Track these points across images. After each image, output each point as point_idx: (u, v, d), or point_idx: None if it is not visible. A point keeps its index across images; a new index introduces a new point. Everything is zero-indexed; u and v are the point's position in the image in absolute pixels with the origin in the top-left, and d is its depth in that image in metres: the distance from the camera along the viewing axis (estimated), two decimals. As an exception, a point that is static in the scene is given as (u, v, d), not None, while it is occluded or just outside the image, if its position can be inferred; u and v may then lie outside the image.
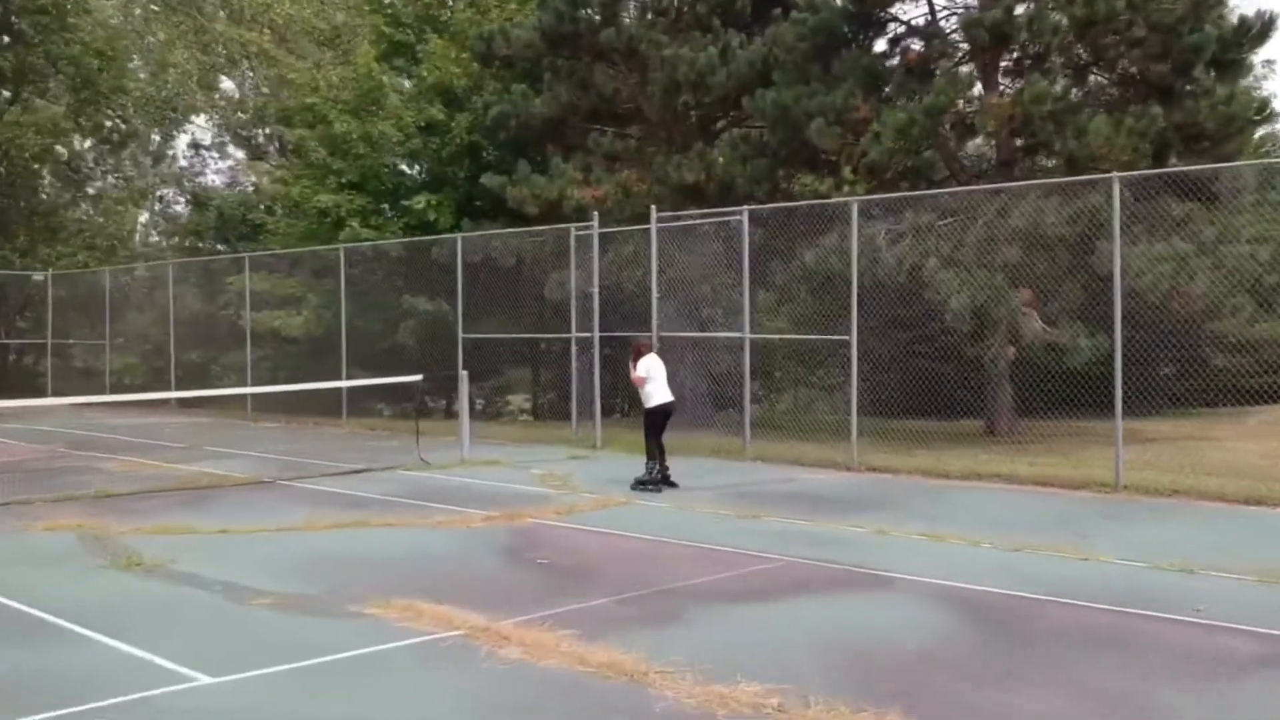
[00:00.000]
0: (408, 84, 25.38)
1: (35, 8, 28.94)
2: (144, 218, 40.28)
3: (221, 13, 36.53)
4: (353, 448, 16.79)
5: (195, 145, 38.76)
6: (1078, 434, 16.69)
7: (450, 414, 21.21)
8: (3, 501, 11.23)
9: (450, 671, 5.58)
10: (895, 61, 18.26)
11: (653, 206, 16.66)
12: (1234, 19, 16.45)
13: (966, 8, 17.50)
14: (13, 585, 7.42)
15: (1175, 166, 15.02)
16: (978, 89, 17.94)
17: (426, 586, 7.33)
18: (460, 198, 23.37)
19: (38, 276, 29.58)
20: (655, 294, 16.21)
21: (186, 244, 34.00)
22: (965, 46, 17.75)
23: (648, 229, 16.49)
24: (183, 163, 39.88)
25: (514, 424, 22.61)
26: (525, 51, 21.37)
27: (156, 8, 36.14)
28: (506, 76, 22.56)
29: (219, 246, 31.60)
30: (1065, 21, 16.06)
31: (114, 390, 26.63)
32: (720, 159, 19.31)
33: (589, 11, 20.47)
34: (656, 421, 12.40)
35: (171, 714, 4.96)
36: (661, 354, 16.27)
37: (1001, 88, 17.56)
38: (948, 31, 17.97)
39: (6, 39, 29.81)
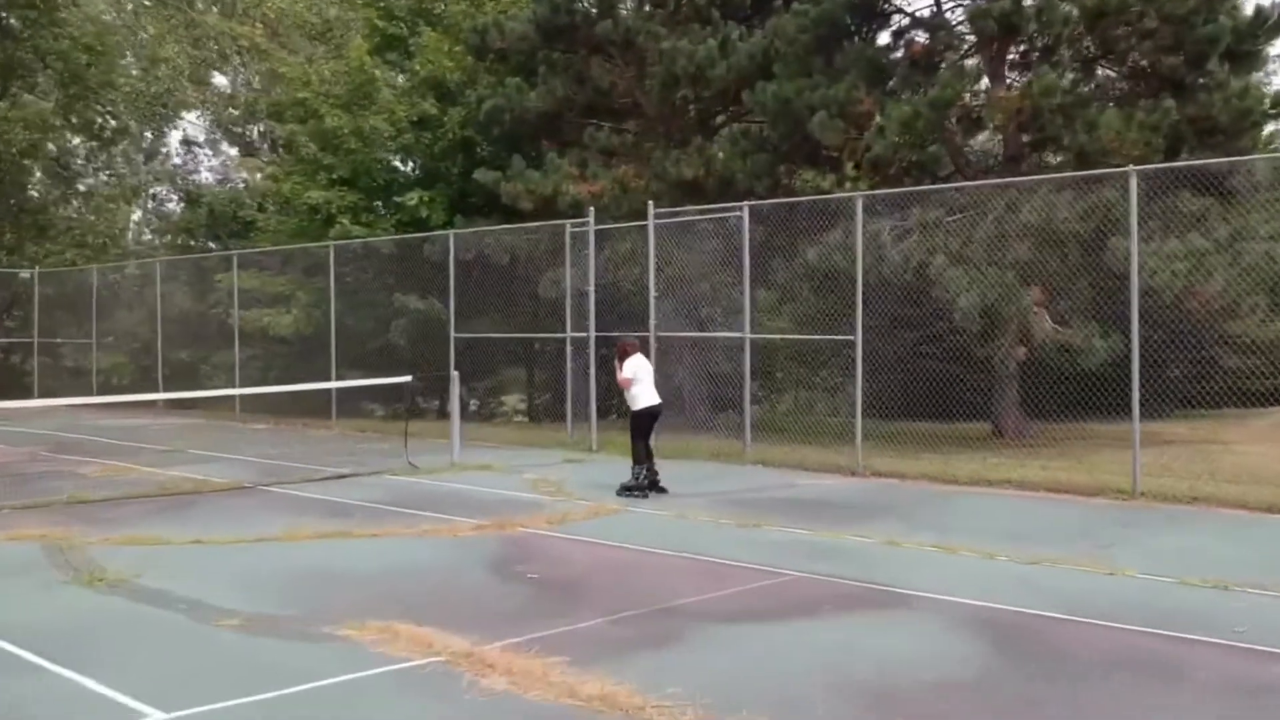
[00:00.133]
0: (401, 79, 24.86)
1: (24, 2, 28.41)
2: (137, 215, 39.81)
3: (214, 8, 36.04)
4: (341, 451, 16.30)
5: (187, 142, 38.25)
6: (1088, 437, 16.21)
7: (444, 415, 20.69)
8: (-30, 508, 10.75)
9: (428, 705, 5.10)
10: (899, 54, 17.80)
11: (650, 203, 16.18)
12: (1249, 10, 16.01)
13: (973, -1, 17.03)
14: (-36, 603, 6.94)
15: (1190, 160, 14.53)
16: (984, 83, 17.47)
17: (408, 605, 6.84)
18: (453, 194, 22.87)
19: (24, 274, 29.06)
20: (653, 293, 15.72)
21: (178, 242, 33.50)
22: (971, 39, 17.30)
23: (645, 226, 16.01)
24: (176, 160, 39.43)
25: (508, 425, 22.12)
26: (520, 44, 20.86)
27: (148, 2, 35.61)
28: (501, 70, 22.04)
29: (210, 244, 31.10)
30: (1075, 12, 15.59)
31: (102, 389, 26.15)
32: (720, 154, 18.81)
33: (585, 3, 20.00)
34: (643, 424, 11.93)
35: (115, 756, 4.48)
36: (659, 354, 15.85)
37: (1008, 81, 17.09)
38: (953, 23, 17.51)
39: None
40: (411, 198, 22.45)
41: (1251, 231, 14.63)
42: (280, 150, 29.47)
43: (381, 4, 25.34)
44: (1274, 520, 10.14)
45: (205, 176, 38.44)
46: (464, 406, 22.66)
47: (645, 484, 11.67)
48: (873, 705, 5.03)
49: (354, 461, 14.71)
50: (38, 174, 33.69)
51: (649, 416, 11.96)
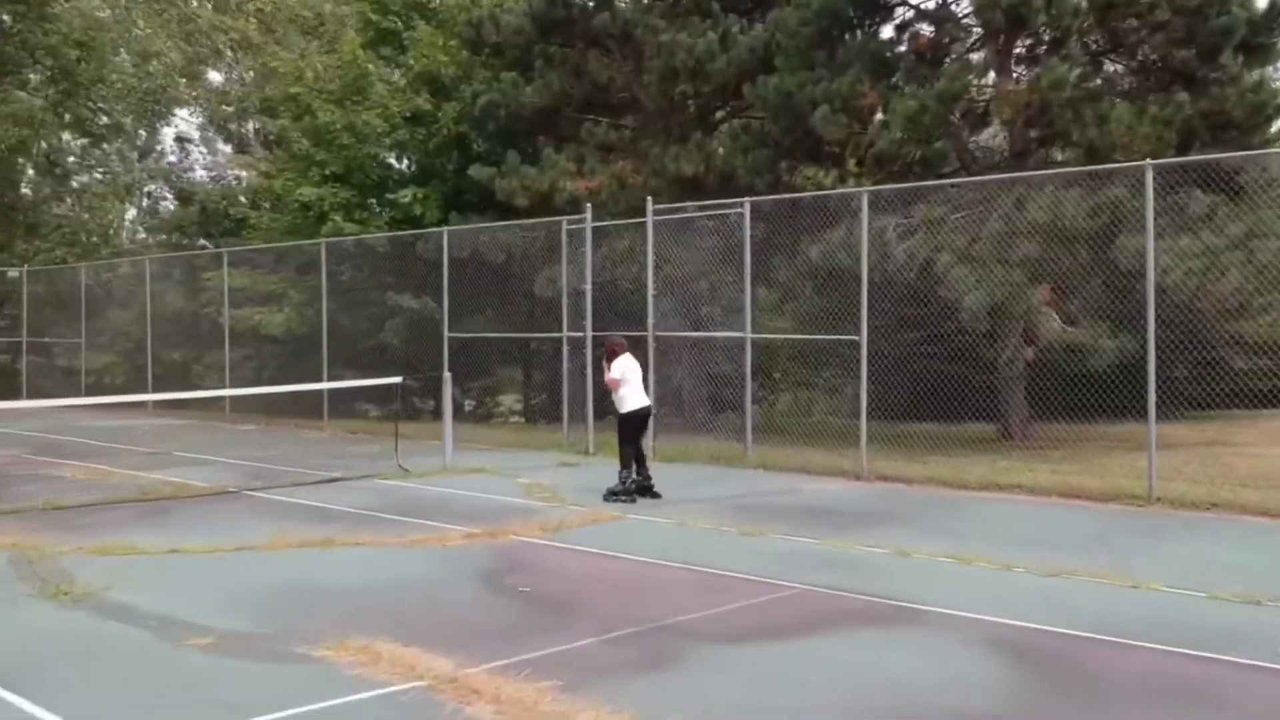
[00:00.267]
0: (397, 74, 24.42)
1: (13, -4, 28.03)
2: (131, 214, 39.40)
3: (208, 3, 35.62)
4: (331, 453, 15.88)
5: (180, 139, 37.79)
6: (1096, 439, 15.83)
7: (439, 415, 20.28)
8: (-59, 515, 10.33)
9: (407, 737, 4.69)
10: (904, 48, 17.39)
11: (649, 199, 15.75)
12: (1263, 1, 15.57)
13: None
14: (-81, 619, 6.53)
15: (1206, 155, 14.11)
16: (991, 77, 17.07)
17: (391, 622, 6.43)
18: (448, 191, 22.45)
19: (13, 273, 28.62)
20: (651, 291, 15.30)
21: (171, 240, 33.06)
22: (978, 31, 16.90)
23: (643, 222, 15.59)
24: (171, 158, 39.01)
25: (504, 426, 21.67)
26: (515, 38, 20.47)
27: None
28: (496, 64, 21.61)
29: (202, 242, 30.67)
30: (1085, 4, 15.18)
31: (93, 389, 25.73)
32: (720, 150, 18.38)
33: (582, -4, 19.62)
34: (633, 427, 11.52)
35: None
36: (658, 355, 15.44)
37: (1015, 75, 16.69)
38: (959, 16, 17.09)
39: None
40: (405, 195, 22.04)
41: (1266, 228, 14.23)
42: (273, 147, 29.02)
43: (376, -2, 24.92)
44: (1298, 528, 9.74)
45: (200, 174, 38.06)
46: (459, 407, 22.27)
47: (633, 489, 11.28)
48: (892, 738, 4.62)
49: (344, 464, 14.29)
50: (30, 171, 33.30)
51: (639, 419, 11.56)
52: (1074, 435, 15.37)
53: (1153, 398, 11.06)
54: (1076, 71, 15.27)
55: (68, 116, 31.09)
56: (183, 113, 36.41)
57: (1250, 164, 13.58)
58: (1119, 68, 17.47)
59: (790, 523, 9.83)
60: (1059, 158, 17.43)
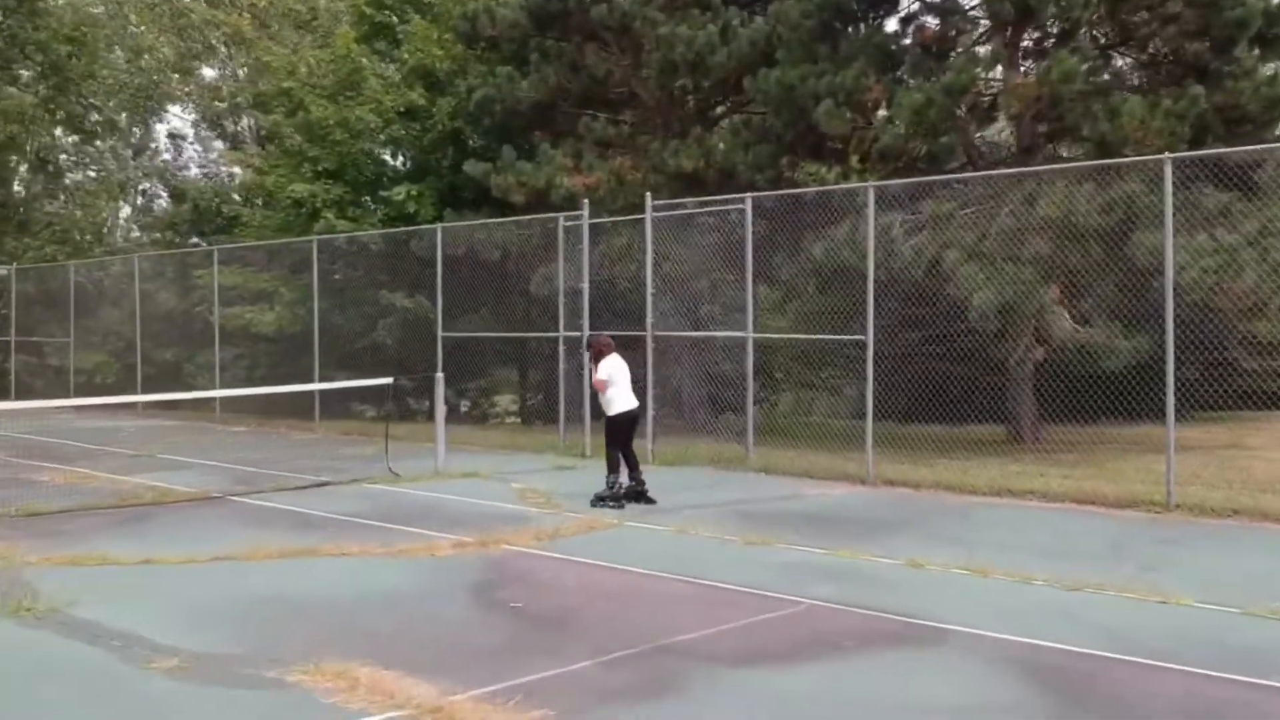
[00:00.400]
0: (391, 69, 23.96)
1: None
2: (126, 212, 38.98)
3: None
4: (321, 455, 15.45)
5: (173, 136, 37.33)
6: (1108, 442, 15.45)
7: (434, 417, 19.87)
8: (-91, 521, 9.90)
9: (382, 776, 4.26)
10: (909, 41, 16.96)
11: (648, 194, 15.32)
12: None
13: (988, -19, 16.17)
14: None
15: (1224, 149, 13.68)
16: (998, 70, 16.65)
17: (372, 641, 6.01)
18: (443, 188, 22.00)
19: (1, 270, 28.18)
20: (650, 289, 14.86)
21: (164, 238, 32.62)
22: (986, 23, 16.47)
23: (642, 219, 15.16)
24: (166, 156, 38.54)
25: (499, 428, 21.21)
26: (511, 32, 20.01)
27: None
28: (492, 59, 21.19)
29: (195, 240, 30.22)
30: (1096, -5, 14.78)
31: (84, 389, 25.29)
32: (720, 145, 17.93)
33: (580, -12, 19.15)
34: (621, 430, 11.09)
35: None
36: (656, 354, 15.01)
37: (1023, 69, 16.27)
38: (966, 7, 16.66)
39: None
40: (399, 192, 21.61)
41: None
42: (265, 143, 28.59)
43: (370, -10, 24.48)
44: (1326, 537, 9.33)
45: (194, 172, 37.60)
46: (454, 408, 21.84)
47: (622, 495, 10.87)
48: (916, 778, 4.20)
49: (334, 468, 13.87)
50: (23, 169, 32.85)
51: (628, 421, 11.14)
52: (1085, 438, 14.97)
53: (1171, 400, 10.64)
54: (1086, 65, 14.85)
55: (59, 113, 30.67)
56: (175, 109, 35.96)
57: (1270, 158, 13.15)
58: (1128, 61, 17.07)
59: (795, 531, 9.40)
60: (1065, 154, 17.04)
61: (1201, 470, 12.61)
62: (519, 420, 22.87)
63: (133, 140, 36.82)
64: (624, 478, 10.96)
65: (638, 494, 10.94)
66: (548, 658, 5.72)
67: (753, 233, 14.03)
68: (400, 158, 24.17)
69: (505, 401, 24.51)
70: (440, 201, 21.70)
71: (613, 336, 14.67)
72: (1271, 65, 15.19)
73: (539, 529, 9.48)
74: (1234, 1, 14.54)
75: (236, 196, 28.84)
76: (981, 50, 16.65)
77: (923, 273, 14.22)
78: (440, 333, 17.77)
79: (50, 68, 29.14)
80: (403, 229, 20.17)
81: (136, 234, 37.71)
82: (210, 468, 13.99)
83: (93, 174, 34.96)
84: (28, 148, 31.34)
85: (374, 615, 6.67)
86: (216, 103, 34.27)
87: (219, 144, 36.85)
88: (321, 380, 19.06)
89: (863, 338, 12.57)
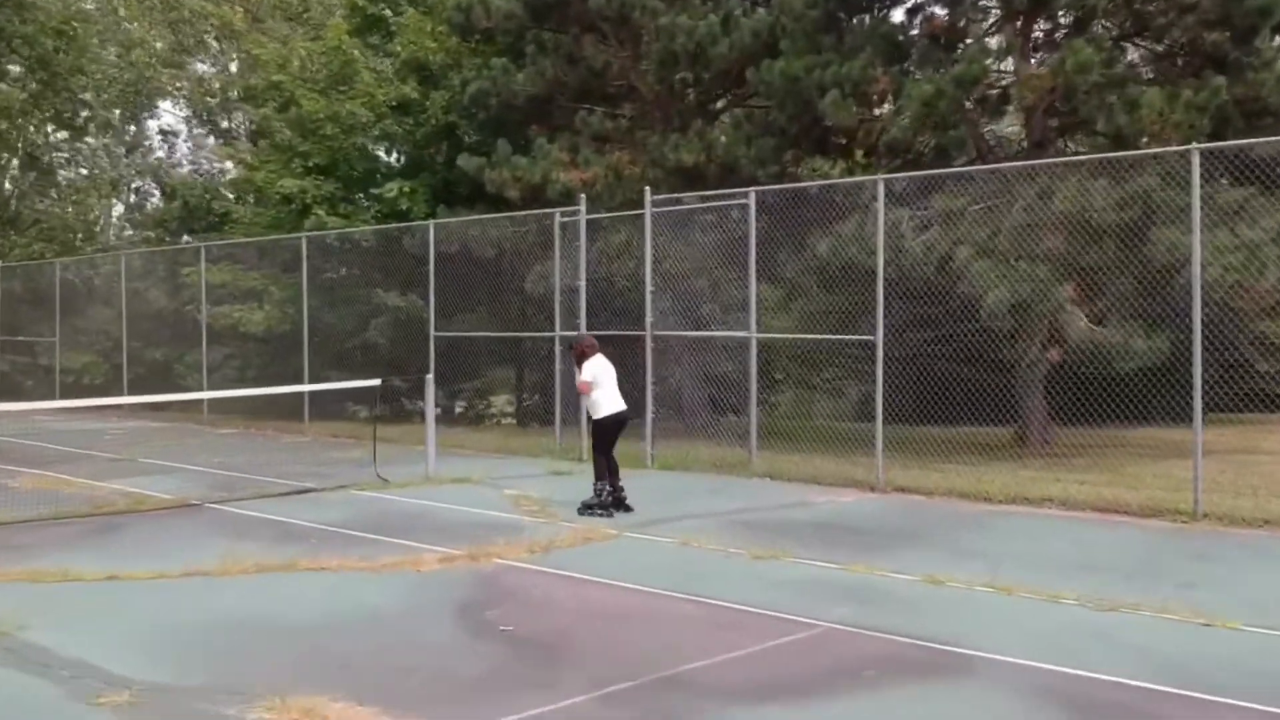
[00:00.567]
0: (386, 63, 23.40)
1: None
2: (119, 210, 38.42)
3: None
4: (308, 459, 14.91)
5: (164, 132, 36.74)
6: (1119, 445, 14.96)
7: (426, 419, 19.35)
8: None
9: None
10: (916, 31, 16.43)
11: (647, 189, 14.76)
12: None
13: (999, -31, 15.67)
14: None
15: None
16: (1009, 62, 16.14)
17: (346, 670, 5.48)
18: (437, 184, 21.47)
19: (-14, 269, 27.67)
20: (649, 287, 14.31)
21: (155, 236, 32.06)
22: (996, 13, 15.95)
23: (641, 215, 14.61)
24: (159, 153, 37.95)
25: (494, 430, 20.66)
26: (507, 23, 19.45)
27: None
28: (487, 51, 20.62)
29: (186, 238, 29.64)
30: (1111, -17, 14.27)
31: (72, 389, 24.74)
32: (722, 139, 17.38)
33: (577, -23, 18.61)
34: (607, 434, 10.58)
35: None
36: (656, 355, 14.48)
37: (1033, 61, 15.75)
38: (975, -2, 16.14)
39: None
40: (391, 189, 21.06)
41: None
42: (255, 138, 28.03)
43: (363, -18, 23.92)
44: (1367, 549, 8.80)
45: (186, 169, 37.01)
46: (447, 410, 21.31)
47: (609, 502, 10.37)
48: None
49: (321, 472, 13.32)
50: (15, 164, 32.27)
51: (615, 425, 10.61)
52: (1094, 440, 14.46)
53: (1199, 404, 10.12)
54: (1102, 55, 14.32)
55: (48, 109, 30.11)
56: (166, 104, 35.37)
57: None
58: (1143, 53, 16.54)
59: (804, 543, 8.87)
60: (1077, 149, 16.53)
61: (1220, 476, 12.10)
62: (515, 422, 22.34)
63: (126, 138, 36.26)
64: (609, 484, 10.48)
65: (616, 501, 10.44)
66: (539, 691, 5.18)
67: (756, 229, 13.49)
68: (394, 153, 23.63)
69: (500, 402, 23.98)
70: (434, 198, 21.17)
71: (611, 336, 14.17)
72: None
73: (532, 540, 8.94)
74: (1256, -11, 14.04)
75: (227, 193, 28.26)
76: (992, 41, 16.18)
77: (933, 270, 13.68)
78: (433, 332, 17.23)
79: (37, 62, 28.58)
80: (395, 225, 19.64)
81: (129, 232, 37.19)
82: (192, 472, 13.45)
83: (84, 171, 34.43)
84: (19, 144, 30.78)
85: (350, 640, 6.14)
86: (208, 98, 33.67)
87: (211, 140, 36.30)
88: (313, 380, 18.53)
89: (872, 338, 12.03)
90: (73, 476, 12.95)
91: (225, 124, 35.13)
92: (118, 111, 33.34)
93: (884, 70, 15.28)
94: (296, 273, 20.11)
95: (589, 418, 10.81)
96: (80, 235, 32.34)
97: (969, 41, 15.54)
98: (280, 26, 29.26)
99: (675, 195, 15.32)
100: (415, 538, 9.07)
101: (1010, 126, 18.45)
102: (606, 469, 10.48)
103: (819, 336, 14.90)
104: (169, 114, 36.33)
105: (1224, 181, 12.91)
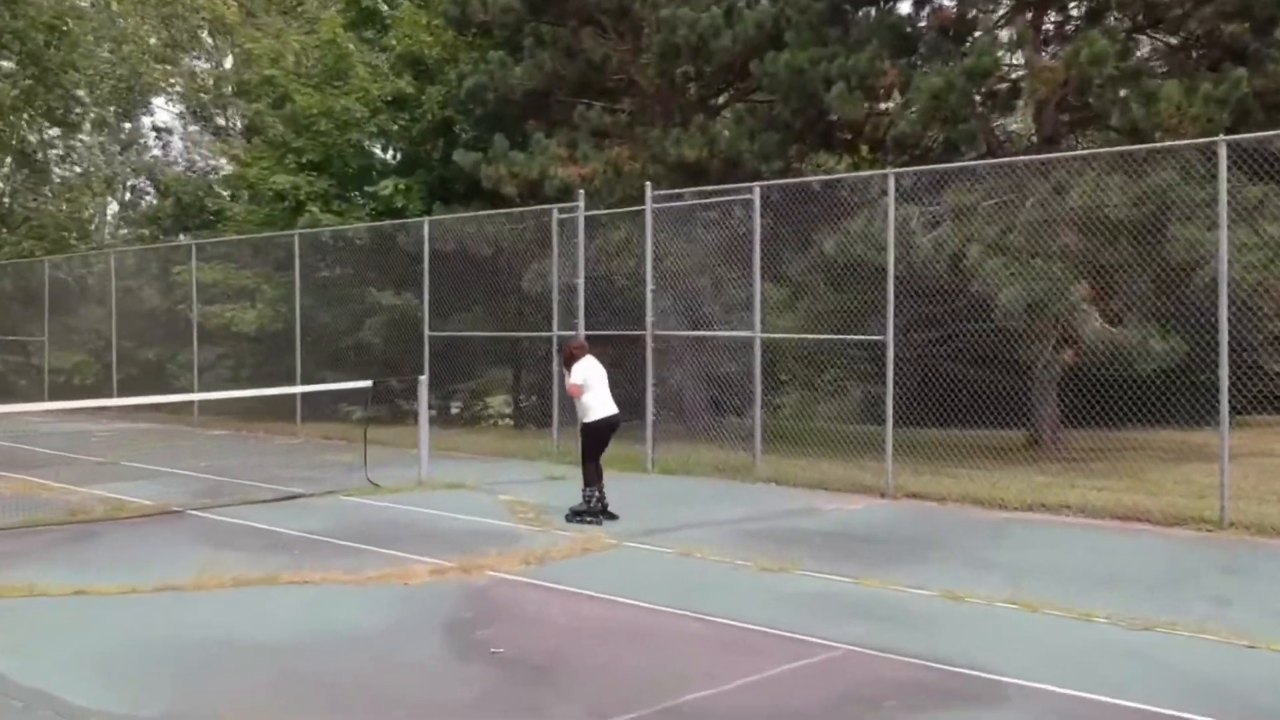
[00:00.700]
0: (381, 58, 22.95)
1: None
2: (114, 208, 37.97)
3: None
4: (299, 463, 14.47)
5: (157, 129, 36.27)
6: (1131, 448, 14.50)
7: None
8: None
9: None
10: (924, 23, 16.00)
11: (648, 184, 14.31)
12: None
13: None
14: None
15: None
16: (1019, 55, 15.72)
17: (323, 699, 5.04)
18: (432, 181, 21.03)
19: (-29, 268, 27.21)
20: (650, 286, 13.86)
21: (149, 235, 31.62)
22: (1007, 4, 15.51)
23: (641, 211, 14.17)
24: (156, 151, 37.49)
25: (491, 431, 20.22)
26: (504, 16, 18.99)
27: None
28: (484, 45, 20.17)
29: (181, 237, 29.19)
30: (1128, -27, 13.83)
31: (62, 389, 24.27)
32: (725, 133, 16.92)
33: (576, -32, 18.15)
34: (599, 439, 10.17)
35: None
36: (656, 355, 14.04)
37: (1045, 54, 15.32)
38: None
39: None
40: (385, 186, 20.62)
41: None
42: (248, 134, 27.60)
43: (358, -25, 23.46)
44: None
45: (181, 166, 36.56)
46: (444, 410, 20.87)
47: (599, 509, 9.96)
48: None
49: (311, 476, 12.88)
50: (9, 162, 31.82)
51: (607, 429, 10.19)
52: (1109, 444, 14.01)
53: (1225, 407, 9.73)
54: (1117, 47, 13.89)
55: (39, 104, 29.67)
56: (160, 101, 34.93)
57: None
58: (1156, 45, 16.11)
59: (814, 554, 8.42)
60: (1083, 144, 16.10)
61: (1243, 482, 11.61)
62: (512, 423, 21.90)
63: (121, 135, 35.82)
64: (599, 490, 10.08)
65: (602, 507, 10.04)
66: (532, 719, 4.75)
67: (761, 226, 13.05)
68: (389, 150, 23.19)
69: (498, 403, 23.53)
70: (430, 195, 20.74)
71: (610, 336, 13.74)
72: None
73: (527, 551, 8.50)
74: (1277, -21, 13.61)
75: (220, 190, 27.81)
76: (1002, 34, 15.75)
77: (944, 268, 13.24)
78: (428, 332, 16.79)
79: (28, 57, 28.14)
80: (389, 222, 19.20)
81: (124, 231, 36.75)
82: (177, 477, 13.00)
83: (79, 170, 33.99)
84: (12, 141, 30.34)
85: (331, 662, 5.69)
86: (201, 94, 33.23)
87: (203, 136, 35.84)
88: (306, 381, 18.12)
89: (882, 338, 11.58)
90: (52, 481, 12.49)
91: (221, 120, 34.73)
92: (112, 109, 32.91)
93: (891, 63, 14.86)
94: (289, 271, 19.67)
95: (580, 421, 10.35)
96: (74, 234, 31.86)
97: (979, 34, 15.13)
98: (275, 20, 28.78)
99: (677, 191, 14.87)
100: (404, 547, 8.63)
101: (1018, 123, 18.03)
102: (597, 474, 10.07)
103: (826, 336, 14.46)
104: (163, 110, 35.90)
105: (1241, 177, 12.48)
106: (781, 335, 15.23)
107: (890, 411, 11.59)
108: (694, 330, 15.13)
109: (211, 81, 33.37)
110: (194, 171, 33.28)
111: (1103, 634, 6.24)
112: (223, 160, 32.52)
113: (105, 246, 31.71)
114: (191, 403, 20.42)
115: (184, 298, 22.62)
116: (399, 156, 22.92)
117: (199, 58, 35.05)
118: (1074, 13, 15.74)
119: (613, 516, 9.97)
